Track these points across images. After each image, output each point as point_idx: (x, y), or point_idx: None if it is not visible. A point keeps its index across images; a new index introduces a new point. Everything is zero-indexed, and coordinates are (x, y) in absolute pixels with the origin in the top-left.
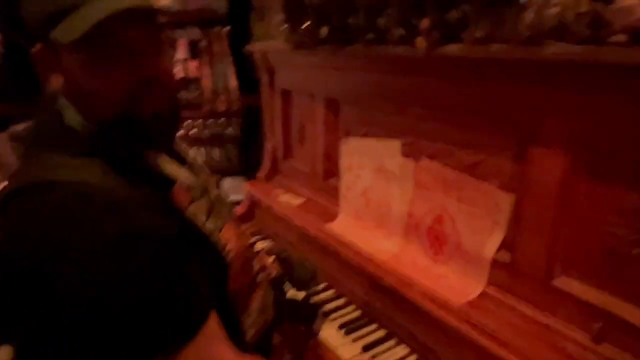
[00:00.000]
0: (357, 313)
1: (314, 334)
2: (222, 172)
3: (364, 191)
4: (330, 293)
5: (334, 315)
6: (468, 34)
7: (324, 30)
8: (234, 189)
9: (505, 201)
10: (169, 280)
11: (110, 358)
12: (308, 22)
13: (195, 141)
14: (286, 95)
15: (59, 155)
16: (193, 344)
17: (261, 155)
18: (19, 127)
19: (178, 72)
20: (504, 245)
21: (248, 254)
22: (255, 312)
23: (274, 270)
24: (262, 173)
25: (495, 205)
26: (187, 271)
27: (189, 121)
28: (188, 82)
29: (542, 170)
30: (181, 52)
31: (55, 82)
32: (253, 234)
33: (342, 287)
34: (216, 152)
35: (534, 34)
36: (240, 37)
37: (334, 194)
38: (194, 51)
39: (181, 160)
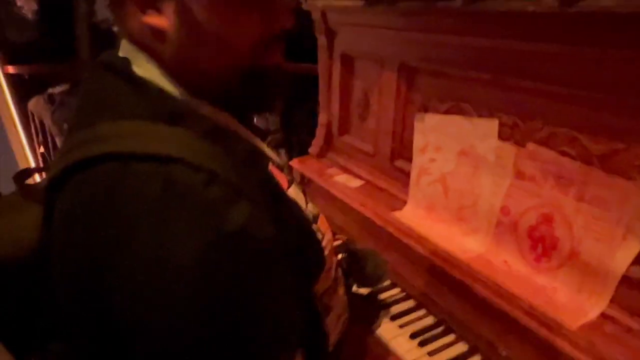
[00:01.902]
0: (430, 320)
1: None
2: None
3: (441, 177)
4: (396, 292)
5: (403, 319)
6: None
7: None
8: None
9: None
10: (260, 301)
11: None
12: None
13: None
14: (348, 61)
15: (131, 121)
16: None
17: (305, 128)
18: (56, 90)
19: None
20: (639, 260)
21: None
22: (336, 312)
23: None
24: (314, 149)
25: (632, 209)
26: (281, 291)
27: None
28: None
29: None
30: None
31: (151, 22)
32: None
33: (411, 287)
34: (256, 122)
35: None
36: None
37: (400, 178)
38: None
39: (262, 137)
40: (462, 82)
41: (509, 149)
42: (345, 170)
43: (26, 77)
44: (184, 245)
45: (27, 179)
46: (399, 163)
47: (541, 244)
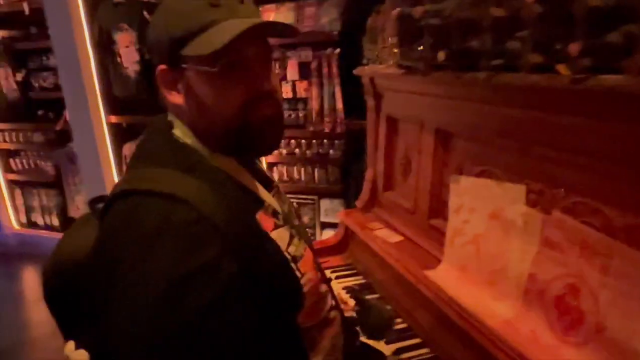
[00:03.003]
0: None
1: None
2: (322, 193)
3: (474, 239)
4: (424, 352)
5: None
6: (631, 62)
7: (441, 55)
8: (331, 211)
9: None
10: (216, 326)
11: None
12: (422, 46)
13: (298, 160)
14: (392, 122)
15: (157, 168)
16: None
17: (361, 180)
18: None
19: (287, 92)
20: None
21: (324, 288)
22: (325, 350)
23: (350, 310)
24: (359, 203)
25: None
26: (243, 318)
27: (294, 141)
28: (296, 101)
29: None
30: (291, 73)
31: (173, 100)
32: (344, 267)
33: (439, 347)
34: (317, 173)
35: None
36: (350, 60)
37: (437, 237)
38: (304, 72)
39: (269, 185)
40: (492, 148)
41: (536, 215)
42: (388, 225)
43: (124, 125)
44: (162, 268)
45: (99, 202)
46: (436, 222)
47: (568, 315)
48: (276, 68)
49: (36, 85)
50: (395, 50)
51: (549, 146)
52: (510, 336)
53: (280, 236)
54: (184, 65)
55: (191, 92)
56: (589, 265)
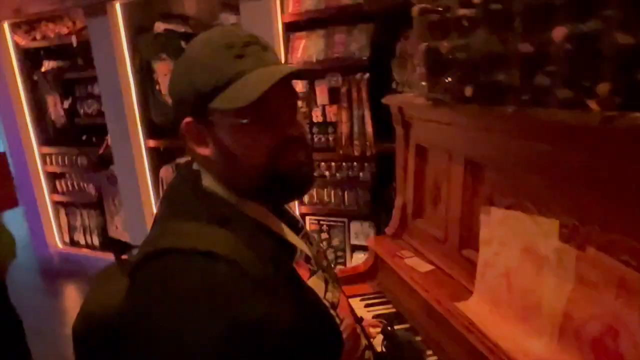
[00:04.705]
0: None
1: None
2: (351, 215)
3: (506, 272)
4: None
5: None
6: None
7: (469, 89)
8: (361, 234)
9: None
10: None
11: None
12: (449, 78)
13: (328, 183)
14: (421, 151)
15: (191, 223)
16: None
17: (391, 203)
18: (182, 160)
19: (317, 116)
20: None
21: (358, 329)
22: None
23: (381, 347)
24: (389, 230)
25: None
26: None
27: (324, 163)
28: (326, 125)
29: None
30: (321, 98)
31: (200, 151)
32: (373, 295)
33: None
34: (347, 196)
35: None
36: (380, 84)
37: (468, 268)
38: (334, 96)
39: (297, 228)
40: (523, 181)
41: (569, 251)
42: (418, 253)
43: (161, 149)
44: (206, 329)
45: (122, 252)
46: (467, 252)
47: (605, 357)
48: (302, 105)
49: (81, 111)
50: (423, 83)
51: (578, 182)
52: None
53: (316, 284)
54: (210, 118)
55: (219, 143)
56: (626, 306)
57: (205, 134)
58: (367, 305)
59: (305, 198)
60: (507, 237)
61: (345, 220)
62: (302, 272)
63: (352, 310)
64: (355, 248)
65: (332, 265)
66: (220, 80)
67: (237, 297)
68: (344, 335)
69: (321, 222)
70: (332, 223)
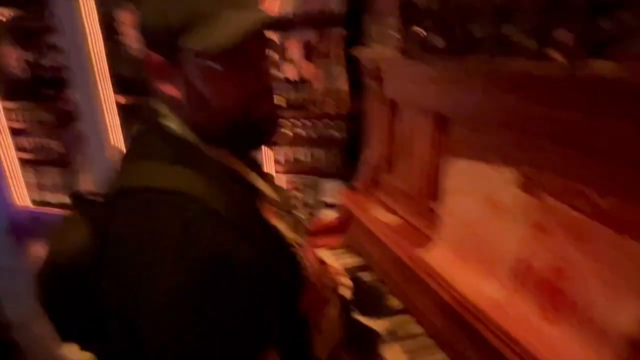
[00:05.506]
0: (443, 357)
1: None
2: (324, 174)
3: (467, 222)
4: (417, 329)
5: (416, 355)
6: (624, 50)
7: (440, 41)
8: (334, 193)
9: None
10: (241, 313)
11: None
12: (421, 29)
13: (301, 141)
14: (392, 105)
15: (157, 163)
16: None
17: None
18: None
19: (291, 72)
20: None
21: (323, 271)
22: (327, 331)
23: (347, 290)
24: (360, 185)
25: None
26: (260, 305)
27: (296, 121)
28: (299, 83)
29: None
30: (295, 53)
31: (167, 91)
32: (343, 249)
33: (432, 326)
34: (320, 154)
35: None
36: (356, 41)
37: (434, 219)
38: (308, 52)
39: (263, 175)
40: (488, 134)
41: (527, 199)
42: (387, 207)
43: (131, 105)
44: (179, 265)
45: (84, 200)
46: (434, 205)
47: (555, 297)
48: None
49: (42, 64)
50: (396, 35)
51: (541, 134)
52: (499, 317)
53: (281, 224)
54: (180, 56)
55: (190, 86)
56: (575, 250)
57: (174, 73)
58: (337, 258)
59: (280, 157)
60: (470, 188)
61: (319, 179)
62: (267, 213)
63: (317, 255)
64: (328, 207)
65: (302, 217)
66: (195, 15)
67: (208, 233)
68: (308, 274)
69: (295, 181)
70: (305, 181)
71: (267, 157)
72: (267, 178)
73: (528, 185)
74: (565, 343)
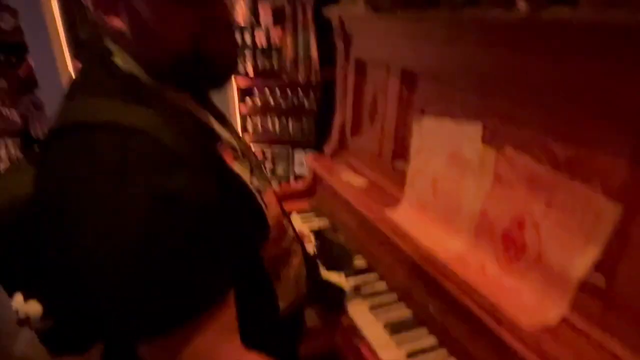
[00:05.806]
0: (407, 312)
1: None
2: (296, 144)
3: (433, 179)
4: (382, 286)
5: (381, 310)
6: None
7: None
8: (305, 163)
9: (608, 212)
10: (192, 254)
11: (122, 321)
12: None
13: (272, 110)
14: (360, 66)
15: (103, 98)
16: (202, 334)
17: None
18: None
19: (260, 39)
20: (599, 267)
21: (285, 220)
22: (288, 280)
23: (311, 244)
24: (328, 148)
25: (594, 216)
26: (214, 247)
27: (267, 90)
28: (270, 50)
29: None
30: (265, 19)
31: (112, 23)
32: (311, 211)
33: (396, 282)
34: (291, 124)
35: None
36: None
37: (400, 179)
38: (278, 18)
39: (224, 122)
40: (454, 88)
41: (490, 152)
42: (355, 169)
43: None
44: (135, 200)
45: (31, 144)
46: (399, 164)
47: (513, 247)
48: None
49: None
50: None
51: (504, 83)
52: (460, 269)
53: (241, 169)
54: None
55: (135, 16)
56: (535, 199)
57: (117, 2)
58: (304, 221)
59: (249, 126)
60: (436, 145)
61: (290, 148)
62: (227, 157)
63: (281, 205)
64: (298, 177)
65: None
66: None
67: (154, 170)
68: (269, 221)
69: (265, 151)
70: (276, 151)
71: (234, 124)
72: (227, 125)
73: (490, 138)
74: (522, 290)
